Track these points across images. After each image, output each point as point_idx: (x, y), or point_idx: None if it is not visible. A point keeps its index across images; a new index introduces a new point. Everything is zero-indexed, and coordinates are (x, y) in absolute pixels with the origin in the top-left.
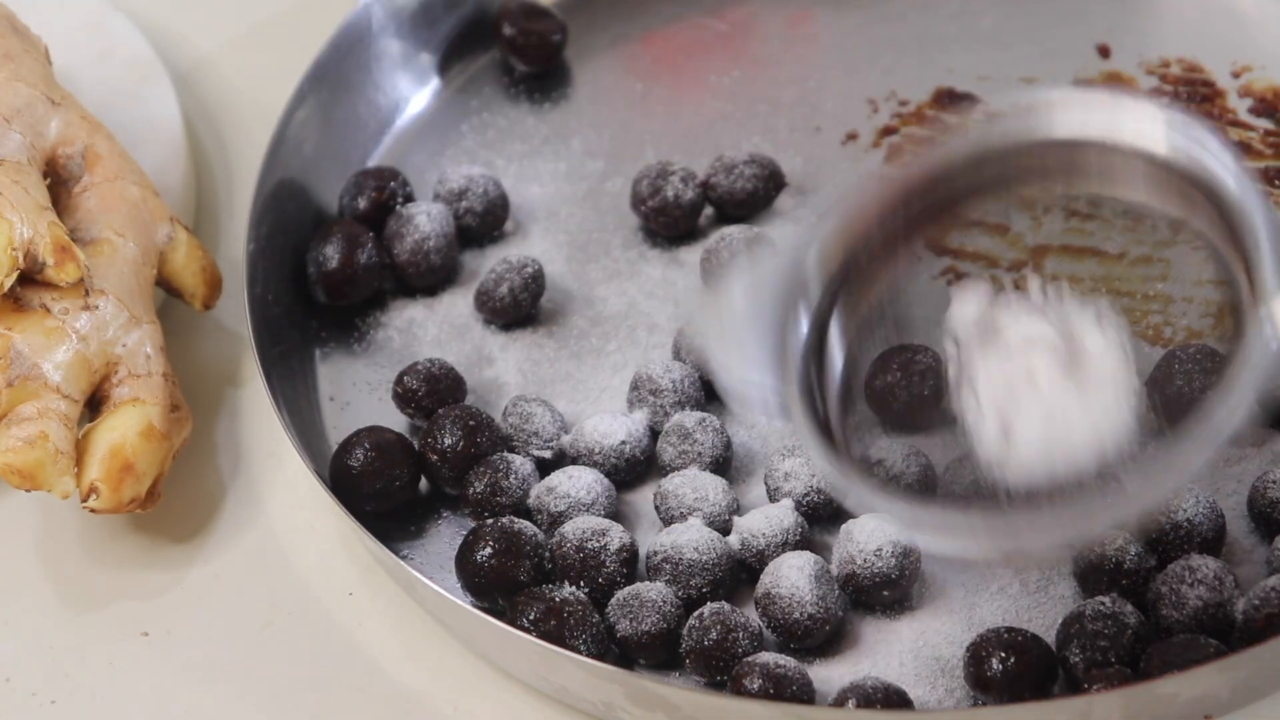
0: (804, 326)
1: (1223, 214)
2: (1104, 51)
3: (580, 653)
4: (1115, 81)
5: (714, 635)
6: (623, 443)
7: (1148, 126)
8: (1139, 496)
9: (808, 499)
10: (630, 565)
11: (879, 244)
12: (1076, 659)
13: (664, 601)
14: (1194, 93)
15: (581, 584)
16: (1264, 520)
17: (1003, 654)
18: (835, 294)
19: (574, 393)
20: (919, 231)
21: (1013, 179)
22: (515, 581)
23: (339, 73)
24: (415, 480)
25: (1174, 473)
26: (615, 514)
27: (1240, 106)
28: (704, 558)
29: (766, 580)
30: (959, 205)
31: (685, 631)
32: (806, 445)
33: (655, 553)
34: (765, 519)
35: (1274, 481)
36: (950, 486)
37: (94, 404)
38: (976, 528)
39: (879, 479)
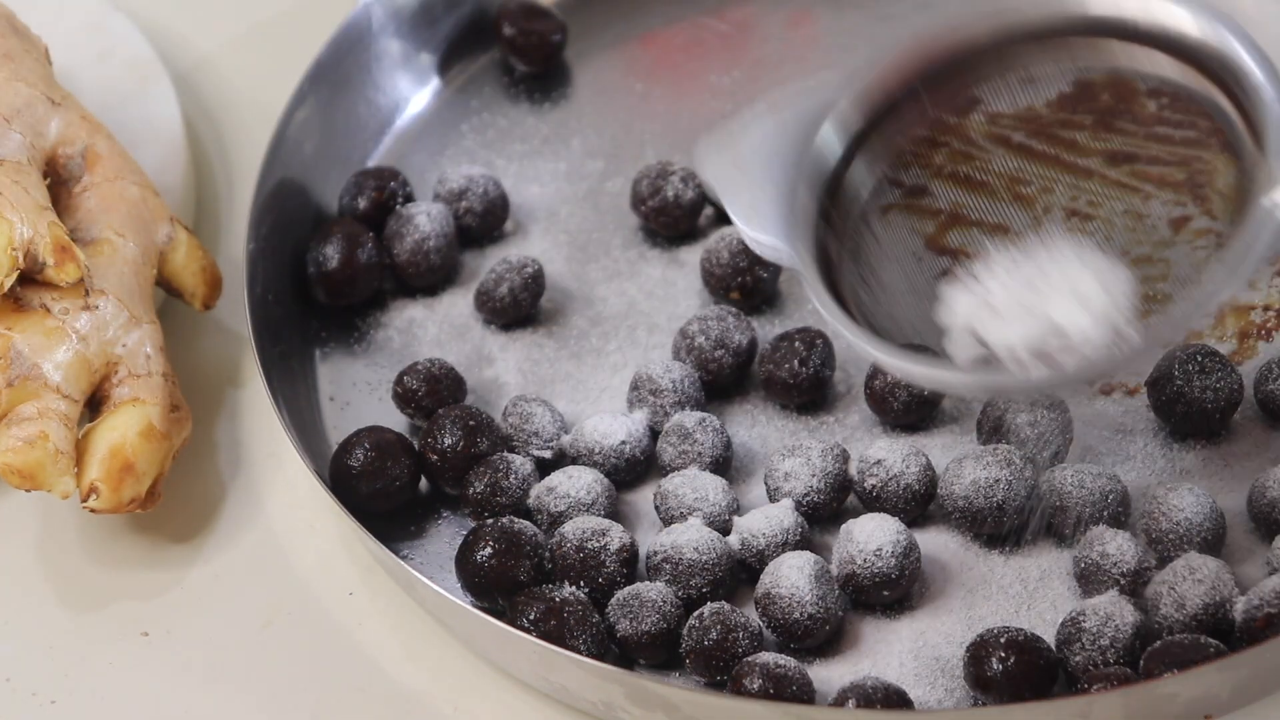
0: (815, 189)
1: (1242, 98)
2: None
3: (580, 653)
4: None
5: (714, 635)
6: (623, 443)
7: (1175, 10)
8: (1140, 345)
9: (808, 499)
10: (630, 565)
11: (898, 108)
12: (1076, 659)
13: (664, 601)
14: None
15: (581, 584)
16: (1264, 520)
17: (1003, 654)
18: (851, 156)
19: (574, 393)
20: (938, 100)
21: (1036, 51)
22: (515, 581)
23: (339, 73)
24: (415, 480)
25: (1171, 329)
26: (615, 514)
27: None
28: (704, 558)
29: (766, 580)
30: (977, 76)
31: (685, 631)
32: (818, 302)
33: (655, 553)
34: (765, 519)
35: (1274, 481)
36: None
37: (94, 404)
38: (974, 380)
39: (886, 332)
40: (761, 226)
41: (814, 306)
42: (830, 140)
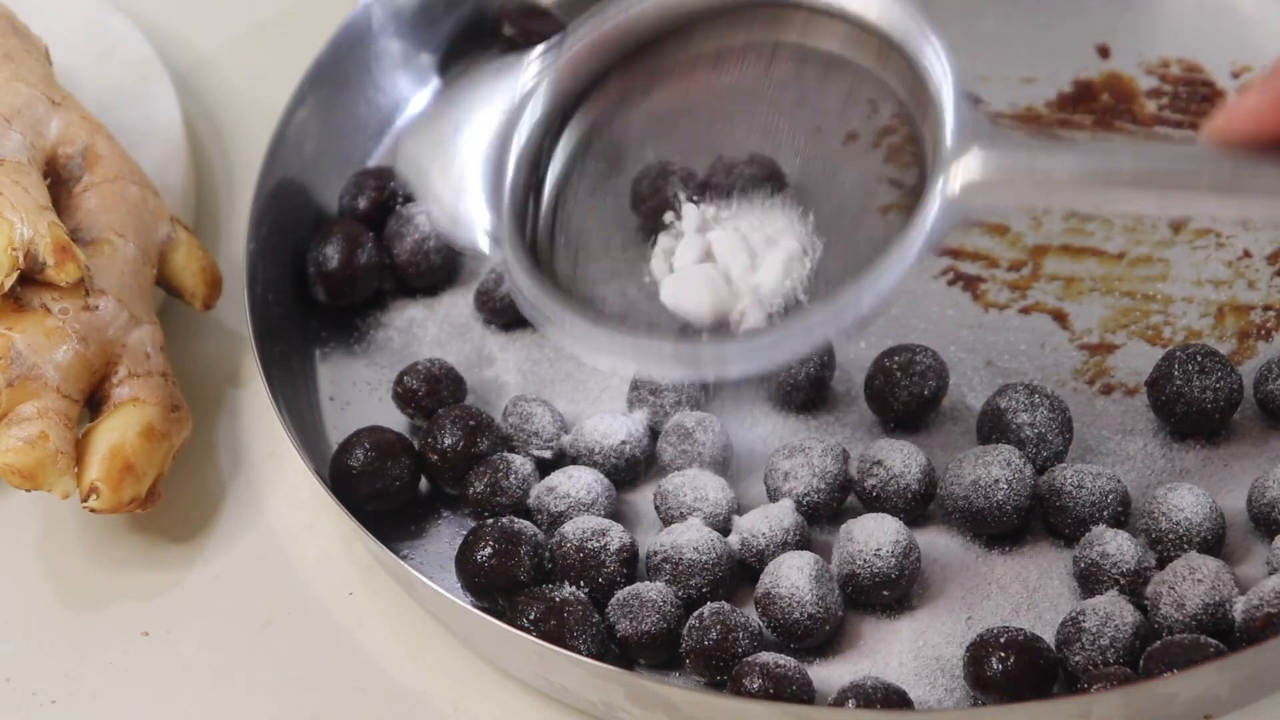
0: (515, 161)
1: (916, 77)
2: (1104, 52)
3: (580, 653)
4: (1115, 81)
5: (714, 635)
6: (623, 443)
7: None
8: (813, 331)
9: (808, 499)
10: (630, 565)
11: (590, 84)
12: (1076, 659)
13: (664, 601)
14: (1194, 93)
15: (581, 584)
16: (1264, 520)
17: (1003, 654)
18: (547, 134)
19: (574, 393)
20: (630, 76)
21: (717, 28)
22: (515, 581)
23: (339, 73)
24: (415, 480)
25: (844, 313)
26: (615, 514)
27: None
28: (704, 558)
29: (766, 580)
30: (665, 52)
31: (685, 631)
32: (512, 269)
33: (655, 553)
34: (765, 519)
35: (1274, 481)
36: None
37: (94, 404)
38: (664, 353)
39: (578, 302)
40: (462, 225)
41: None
42: (529, 118)
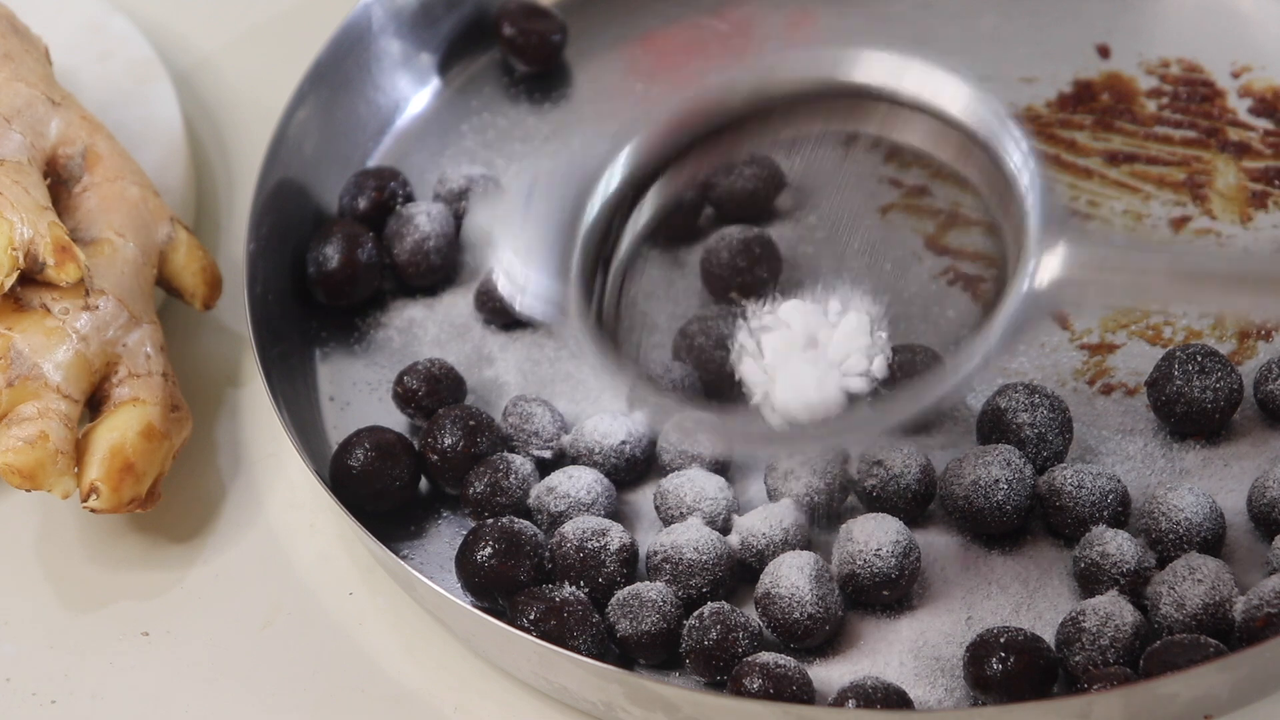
0: (585, 235)
1: (998, 172)
2: (1104, 51)
3: (580, 653)
4: (1115, 81)
5: (714, 635)
6: (623, 443)
7: (937, 85)
8: (897, 414)
9: (808, 499)
10: (630, 565)
11: (665, 163)
12: (1076, 659)
13: (664, 601)
14: (1194, 93)
15: (581, 584)
16: (1264, 520)
17: (1003, 654)
18: (619, 208)
19: (574, 393)
20: (707, 152)
21: (798, 114)
22: (515, 581)
23: (339, 73)
24: (415, 480)
25: (926, 399)
26: (615, 514)
27: (1240, 106)
28: (704, 557)
29: (766, 580)
30: (741, 133)
31: (685, 631)
32: (583, 346)
33: (655, 553)
34: (765, 519)
35: (1274, 481)
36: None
37: (94, 404)
38: (749, 432)
39: (657, 381)
40: (532, 265)
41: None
42: (602, 192)
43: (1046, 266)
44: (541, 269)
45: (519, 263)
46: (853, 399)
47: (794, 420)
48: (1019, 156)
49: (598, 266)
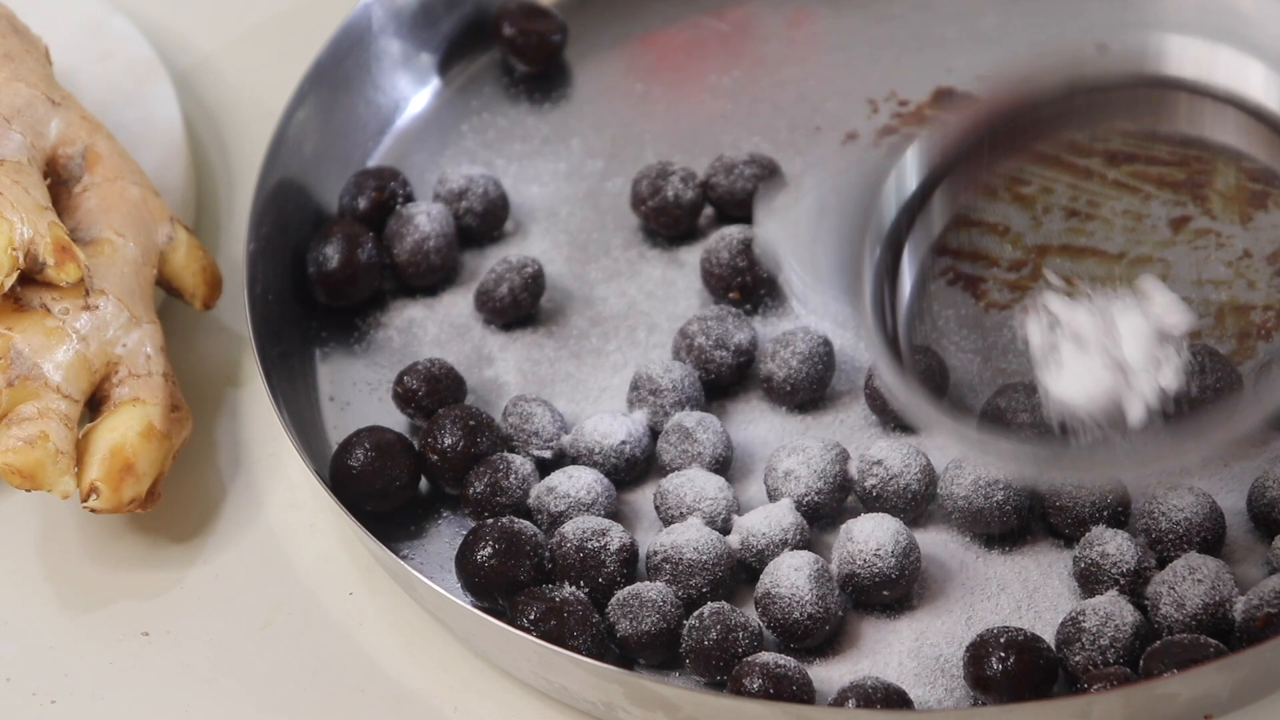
0: (878, 244)
1: None
2: (1104, 51)
3: (580, 653)
4: None
5: (714, 635)
6: (623, 443)
7: (1244, 74)
8: (1197, 446)
9: (808, 499)
10: (630, 565)
11: (960, 168)
12: (1076, 659)
13: (664, 601)
14: None
15: (581, 584)
16: (1264, 520)
17: (1003, 654)
18: (913, 215)
19: (574, 393)
20: (1002, 158)
21: (1100, 112)
22: (515, 581)
23: (339, 73)
24: (415, 480)
25: (1231, 430)
26: (615, 514)
27: None
28: (704, 557)
29: (766, 580)
30: (1042, 134)
31: (685, 631)
32: (878, 361)
33: (655, 553)
34: (765, 519)
35: (1274, 481)
36: (1005, 416)
37: (94, 404)
38: (1037, 457)
39: (946, 400)
40: (822, 285)
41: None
42: (893, 197)
43: None
44: (832, 286)
45: (812, 277)
46: (1139, 413)
47: (1069, 413)
48: None
49: (887, 279)
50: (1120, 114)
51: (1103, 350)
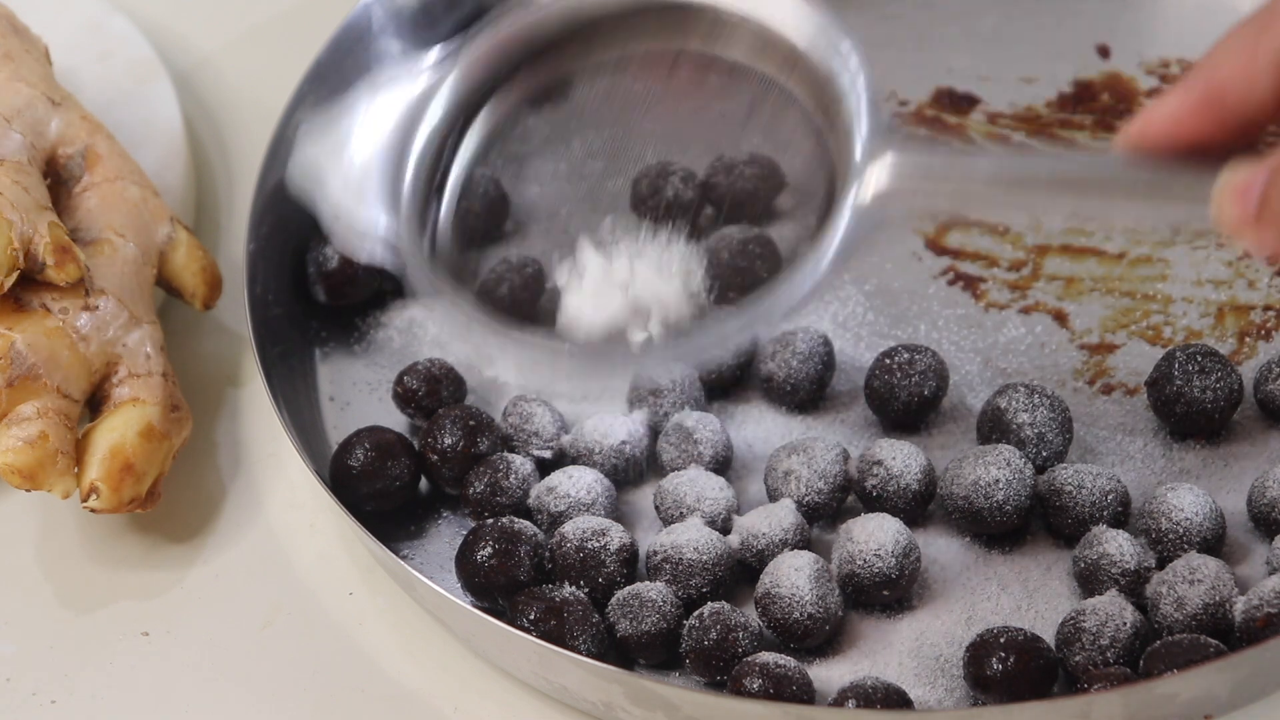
0: (415, 164)
1: (824, 86)
2: (1104, 52)
3: (580, 653)
4: (1115, 81)
5: (714, 635)
6: (623, 443)
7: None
8: (723, 339)
9: (808, 499)
10: (630, 565)
11: (489, 90)
12: (1076, 659)
13: (664, 601)
14: None
15: (581, 584)
16: (1264, 520)
17: (1003, 654)
18: (448, 137)
19: (574, 393)
20: (529, 79)
21: (620, 33)
22: (515, 581)
23: (339, 73)
24: (415, 480)
25: (759, 320)
26: (615, 514)
27: None
28: (704, 557)
29: (766, 580)
30: (563, 54)
31: (685, 631)
32: (414, 272)
33: (655, 553)
34: (765, 519)
35: (1274, 481)
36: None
37: (94, 404)
38: (561, 354)
39: (482, 298)
40: (359, 234)
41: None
42: (436, 119)
43: (874, 178)
44: (372, 204)
45: (348, 201)
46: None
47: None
48: (845, 71)
49: (429, 197)
50: (642, 35)
51: (618, 286)
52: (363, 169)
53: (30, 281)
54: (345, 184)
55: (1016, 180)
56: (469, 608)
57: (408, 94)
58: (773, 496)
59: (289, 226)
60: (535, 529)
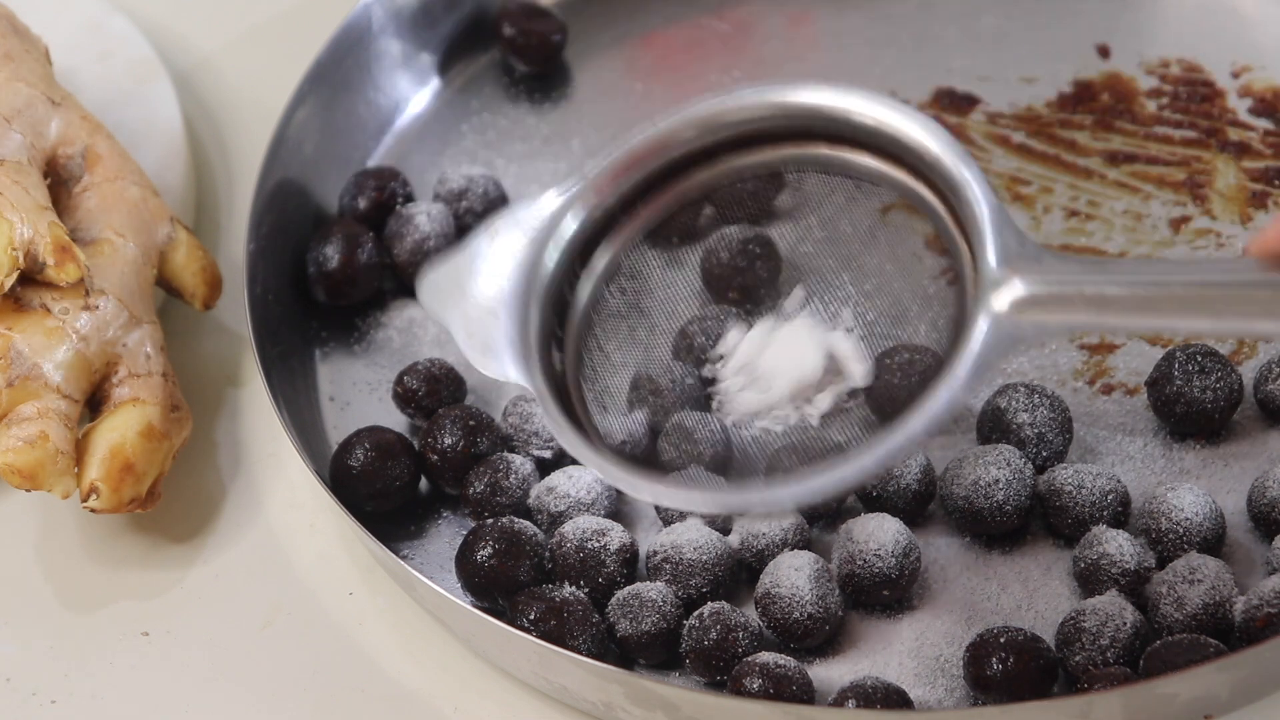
0: (537, 309)
1: (951, 197)
2: (1104, 51)
3: (580, 653)
4: (1115, 81)
5: (714, 635)
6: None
7: (877, 108)
8: (857, 471)
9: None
10: (630, 565)
11: (616, 215)
12: (1076, 659)
13: (664, 601)
14: (1194, 93)
15: (581, 584)
16: (1264, 520)
17: (1003, 654)
18: (575, 266)
19: None
20: (653, 200)
21: (742, 145)
22: (515, 581)
23: (339, 73)
24: (415, 480)
25: (891, 452)
26: (615, 514)
27: (1240, 106)
28: (704, 557)
29: (766, 580)
30: (687, 174)
31: (685, 631)
32: (557, 431)
33: (655, 552)
34: (765, 519)
35: (1274, 481)
36: (675, 457)
37: (94, 404)
38: (716, 499)
39: (623, 453)
40: (492, 354)
41: None
42: (554, 257)
43: (1009, 289)
44: (500, 332)
45: (477, 326)
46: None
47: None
48: (974, 184)
49: (554, 320)
50: (767, 149)
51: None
52: (488, 299)
53: (30, 281)
54: (471, 314)
55: (1154, 300)
56: (469, 608)
57: (531, 221)
58: None
59: (289, 226)
60: (535, 529)
